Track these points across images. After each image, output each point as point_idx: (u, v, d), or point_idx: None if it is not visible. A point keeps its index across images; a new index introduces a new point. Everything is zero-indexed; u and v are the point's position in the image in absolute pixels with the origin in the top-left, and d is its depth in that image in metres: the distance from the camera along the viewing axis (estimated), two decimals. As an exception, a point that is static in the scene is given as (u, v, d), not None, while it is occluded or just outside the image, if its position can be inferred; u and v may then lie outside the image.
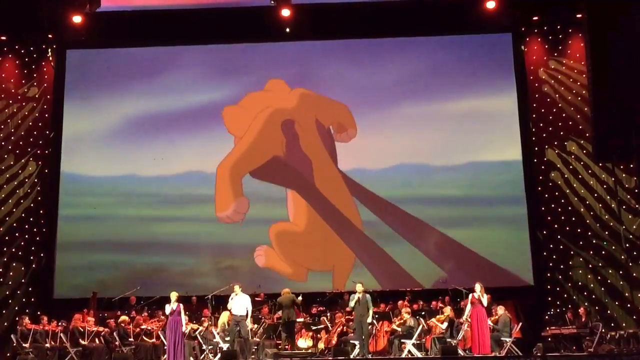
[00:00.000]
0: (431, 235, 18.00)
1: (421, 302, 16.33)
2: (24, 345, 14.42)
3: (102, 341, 14.98)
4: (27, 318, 15.00)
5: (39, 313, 15.93)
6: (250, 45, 19.03)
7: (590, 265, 17.42)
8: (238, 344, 14.20)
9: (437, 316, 14.99)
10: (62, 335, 14.68)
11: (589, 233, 17.52)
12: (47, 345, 14.62)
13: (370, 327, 14.44)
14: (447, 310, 14.92)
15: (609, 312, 16.95)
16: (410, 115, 18.55)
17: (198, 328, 15.11)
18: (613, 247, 17.30)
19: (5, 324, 17.09)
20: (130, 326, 15.18)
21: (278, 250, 17.99)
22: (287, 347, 14.50)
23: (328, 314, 15.98)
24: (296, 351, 14.34)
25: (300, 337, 15.13)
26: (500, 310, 14.85)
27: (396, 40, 18.94)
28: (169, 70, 19.02)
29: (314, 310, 16.27)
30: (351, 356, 13.97)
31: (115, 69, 19.04)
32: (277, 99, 18.74)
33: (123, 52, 19.18)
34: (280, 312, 15.04)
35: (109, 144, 18.65)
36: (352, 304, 14.08)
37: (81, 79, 18.97)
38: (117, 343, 14.82)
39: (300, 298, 14.83)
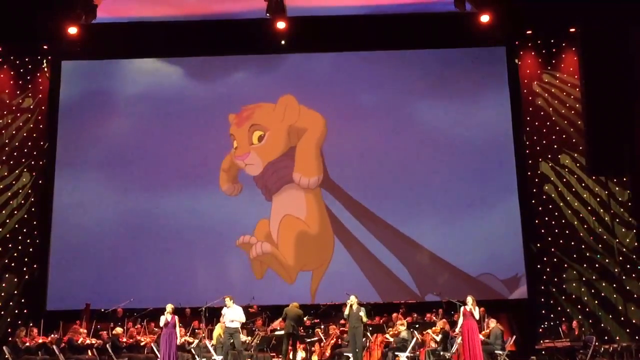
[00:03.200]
0: (424, 249, 18.04)
1: (415, 315, 16.33)
2: (20, 353, 14.36)
3: (95, 353, 14.91)
4: (24, 332, 14.88)
5: (30, 324, 15.84)
6: (246, 57, 19.11)
7: (583, 278, 17.44)
8: (232, 356, 14.16)
9: (433, 328, 14.98)
10: (54, 347, 14.59)
11: (583, 246, 17.55)
12: (40, 356, 14.55)
13: (363, 339, 14.43)
14: (442, 323, 14.91)
15: (602, 325, 16.95)
16: (403, 128, 18.61)
17: (193, 341, 15.06)
18: (607, 260, 17.34)
19: (-2, 335, 17.02)
20: (124, 338, 15.12)
21: (288, 245, 18.12)
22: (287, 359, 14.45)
23: (322, 326, 15.97)
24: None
25: (297, 349, 15.08)
26: (492, 323, 14.87)
27: (390, 53, 18.98)
28: (164, 82, 19.02)
29: (307, 323, 16.26)
30: (345, 369, 13.97)
31: (110, 80, 19.05)
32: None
33: (118, 64, 19.21)
34: (275, 323, 15.03)
35: (103, 155, 18.63)
36: (346, 312, 14.15)
37: (76, 90, 18.98)
38: (110, 354, 14.74)
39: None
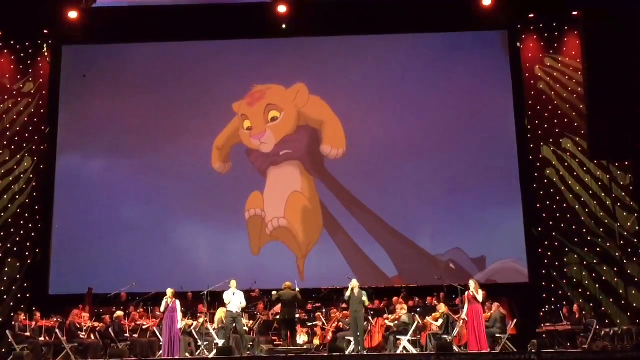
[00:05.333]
0: (425, 232, 18.08)
1: (416, 299, 16.38)
2: (22, 336, 14.44)
3: (98, 337, 14.98)
4: (22, 314, 14.99)
5: (34, 309, 15.91)
6: (247, 41, 19.08)
7: (585, 262, 17.47)
8: (234, 340, 14.23)
9: (433, 314, 15.01)
10: (57, 330, 14.67)
11: (584, 230, 17.56)
12: (43, 339, 14.63)
13: (365, 323, 14.49)
14: (442, 308, 14.96)
15: (603, 308, 16.99)
16: (403, 112, 18.57)
17: (192, 324, 15.12)
18: (608, 244, 17.34)
19: (1, 320, 17.05)
20: (126, 322, 15.18)
21: (296, 219, 18.26)
22: (288, 343, 14.49)
23: (323, 310, 16.02)
24: (291, 347, 14.35)
25: (296, 333, 15.14)
26: (494, 307, 14.94)
27: (390, 37, 18.92)
28: (164, 66, 19.00)
29: (309, 307, 16.32)
30: (346, 352, 14.01)
31: (111, 65, 19.03)
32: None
33: (119, 48, 19.16)
34: (277, 307, 15.06)
35: (103, 139, 18.64)
36: (347, 294, 14.22)
37: (77, 74, 18.94)
38: (112, 338, 14.81)
39: (298, 289, 14.78)
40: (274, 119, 18.76)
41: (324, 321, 15.66)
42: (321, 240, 18.20)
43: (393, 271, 17.89)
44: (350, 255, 18.01)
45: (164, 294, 14.32)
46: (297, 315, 15.17)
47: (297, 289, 14.70)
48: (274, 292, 14.85)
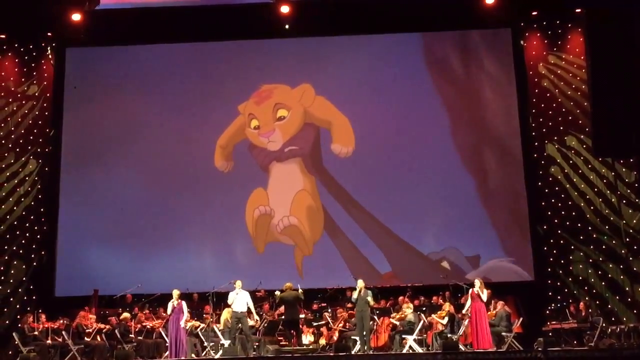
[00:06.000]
0: (430, 231, 18.06)
1: (422, 298, 16.37)
2: (28, 338, 14.47)
3: (104, 338, 15.01)
4: (30, 317, 15.01)
5: (40, 311, 15.94)
6: (250, 42, 19.06)
7: (590, 260, 17.42)
8: (239, 340, 14.23)
9: (438, 312, 15.02)
10: (64, 332, 14.71)
11: (589, 227, 17.51)
12: (49, 342, 14.67)
13: (370, 322, 14.49)
14: (447, 306, 14.96)
15: (609, 306, 16.95)
16: (405, 111, 18.56)
17: (199, 325, 15.14)
18: (613, 242, 17.29)
19: (7, 322, 17.09)
20: (132, 323, 15.21)
21: (303, 217, 18.28)
22: (294, 343, 14.49)
23: (329, 310, 16.02)
24: (297, 347, 14.35)
25: (302, 333, 15.15)
26: (499, 305, 14.93)
27: (394, 36, 18.89)
28: (169, 68, 19.03)
29: (315, 307, 16.32)
30: (352, 352, 14.01)
31: (115, 67, 19.05)
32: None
33: (123, 50, 19.17)
34: (281, 308, 15.05)
35: (109, 140, 18.65)
36: (355, 295, 14.22)
37: (81, 77, 18.98)
38: (118, 340, 14.82)
39: (301, 291, 14.76)
40: (281, 118, 18.77)
41: (330, 321, 15.66)
42: (322, 238, 18.19)
43: (387, 268, 17.89)
44: (347, 254, 18.00)
45: (170, 295, 14.35)
46: (302, 316, 15.18)
47: (300, 291, 14.68)
48: (277, 293, 14.86)
